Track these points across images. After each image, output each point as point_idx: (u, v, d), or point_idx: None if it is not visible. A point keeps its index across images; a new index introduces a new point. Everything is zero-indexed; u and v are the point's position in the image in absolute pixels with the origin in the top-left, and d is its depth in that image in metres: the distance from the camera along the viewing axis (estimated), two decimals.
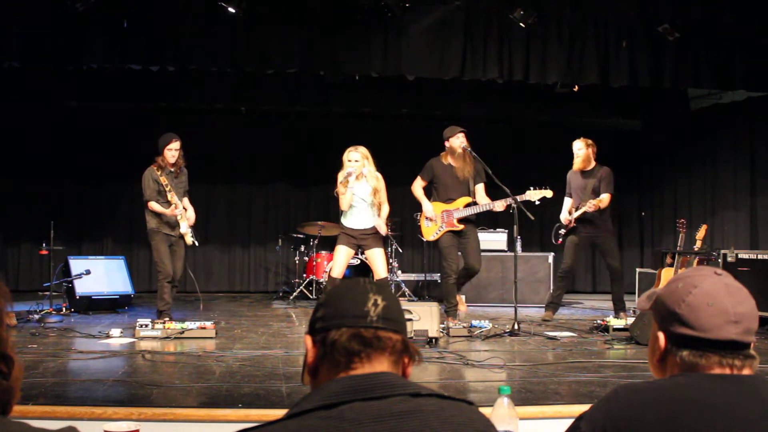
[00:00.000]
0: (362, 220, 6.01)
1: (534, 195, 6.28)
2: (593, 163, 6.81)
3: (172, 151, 6.19)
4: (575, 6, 7.13)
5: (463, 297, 6.58)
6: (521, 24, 6.84)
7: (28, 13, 6.38)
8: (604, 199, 6.64)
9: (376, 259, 6.02)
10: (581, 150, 6.79)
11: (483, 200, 6.41)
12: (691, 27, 7.03)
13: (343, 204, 5.93)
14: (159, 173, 6.14)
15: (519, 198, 6.20)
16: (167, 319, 5.90)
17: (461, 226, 6.35)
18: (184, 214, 6.27)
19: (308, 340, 1.25)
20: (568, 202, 6.99)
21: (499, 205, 6.24)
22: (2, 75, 7.80)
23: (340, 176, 5.92)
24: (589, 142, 6.83)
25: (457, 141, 6.36)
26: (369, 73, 7.43)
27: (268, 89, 9.04)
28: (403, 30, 6.91)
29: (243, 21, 6.60)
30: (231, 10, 6.44)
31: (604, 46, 7.12)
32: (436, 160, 6.54)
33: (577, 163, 6.81)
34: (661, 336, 1.36)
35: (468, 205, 6.37)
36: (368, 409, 1.11)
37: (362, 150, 5.93)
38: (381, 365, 1.20)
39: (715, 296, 1.32)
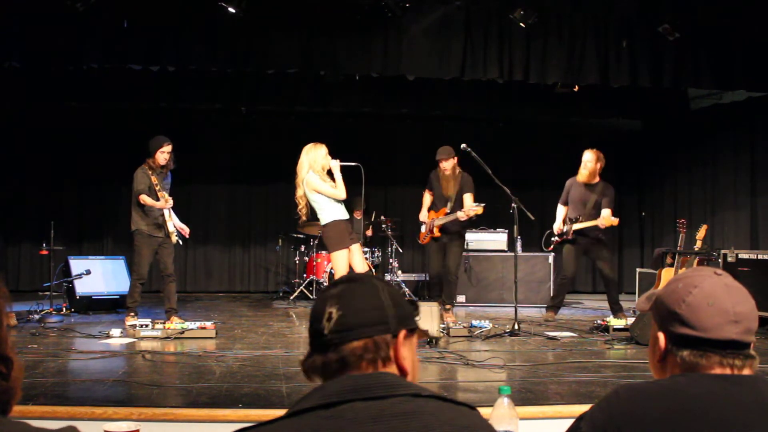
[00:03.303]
0: (345, 207, 6.09)
1: (469, 210, 6.60)
2: (597, 178, 6.83)
3: (165, 154, 6.27)
4: (575, 6, 7.12)
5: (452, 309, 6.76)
6: (521, 24, 6.83)
7: (29, 13, 6.38)
8: (607, 214, 6.66)
9: (357, 253, 6.04)
10: (590, 163, 6.79)
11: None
12: (691, 27, 7.02)
13: (342, 192, 5.92)
14: (150, 173, 6.20)
15: (442, 220, 6.68)
16: (133, 314, 6.17)
17: (439, 234, 6.84)
18: (171, 213, 6.35)
19: None
20: (561, 210, 7.02)
21: (462, 215, 6.60)
22: (2, 75, 7.80)
23: (317, 174, 5.91)
24: (600, 156, 6.84)
25: (444, 165, 6.74)
26: (369, 73, 7.44)
27: (268, 89, 9.03)
28: (403, 30, 6.90)
29: (243, 21, 6.59)
30: (231, 10, 6.44)
31: (604, 46, 7.11)
32: (434, 172, 6.94)
33: (584, 176, 6.81)
34: (661, 336, 1.36)
35: (447, 215, 6.72)
36: (368, 409, 1.11)
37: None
38: (368, 370, 1.20)
39: (715, 296, 1.32)
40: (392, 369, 1.22)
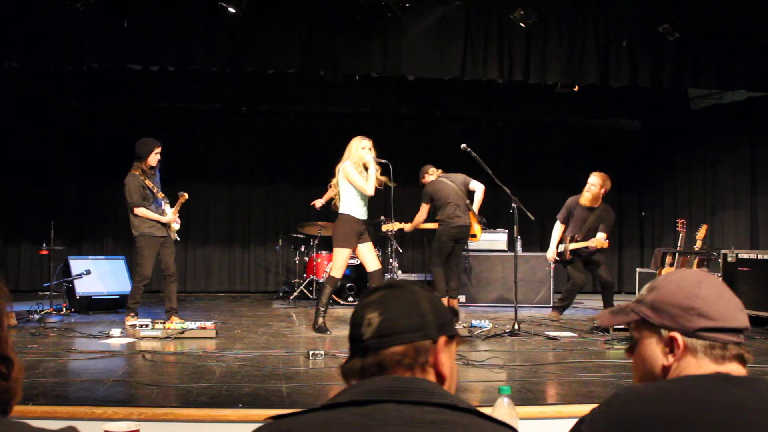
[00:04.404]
0: (367, 209, 6.08)
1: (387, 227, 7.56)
2: (599, 202, 6.93)
3: (158, 156, 6.28)
4: (575, 6, 7.12)
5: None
6: (521, 24, 6.83)
7: (28, 13, 6.38)
8: (601, 239, 6.77)
9: (370, 251, 6.05)
10: (595, 187, 6.86)
11: None
12: (691, 27, 7.03)
13: (371, 188, 5.89)
14: (143, 177, 6.19)
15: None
16: (133, 314, 6.14)
17: None
18: (167, 210, 6.38)
19: None
20: (558, 230, 7.10)
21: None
22: (2, 75, 7.79)
23: (352, 165, 5.90)
24: (606, 180, 6.88)
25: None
26: (369, 73, 7.44)
27: (268, 89, 9.04)
28: (403, 30, 6.90)
29: (243, 21, 6.59)
30: (231, 10, 6.44)
31: (604, 46, 7.11)
32: None
33: (587, 199, 6.91)
34: (677, 336, 1.34)
35: None
36: (399, 412, 1.11)
37: (370, 140, 6.05)
38: (405, 375, 1.20)
39: (719, 288, 1.36)
40: (430, 375, 1.22)
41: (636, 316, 1.42)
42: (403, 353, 1.19)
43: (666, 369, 1.35)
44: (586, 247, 6.83)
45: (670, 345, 1.35)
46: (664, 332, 1.37)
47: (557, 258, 7.06)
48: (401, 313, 1.22)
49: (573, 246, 6.88)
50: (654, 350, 1.38)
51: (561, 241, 7.03)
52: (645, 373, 1.40)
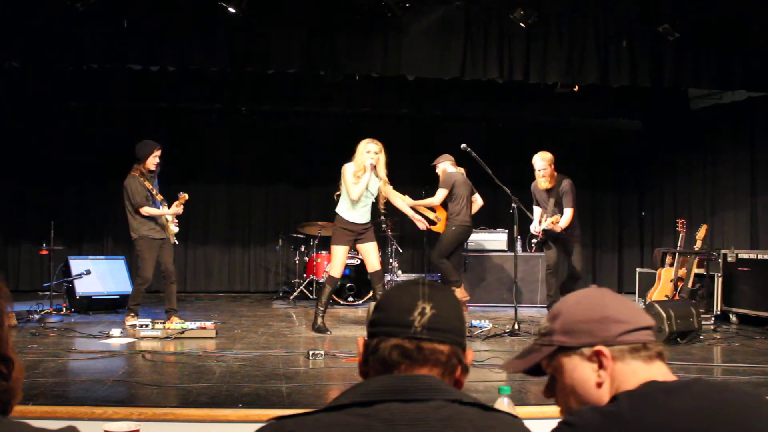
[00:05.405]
0: (365, 214, 6.05)
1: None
2: (555, 179, 6.94)
3: (156, 158, 6.28)
4: (575, 6, 7.12)
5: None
6: (521, 24, 6.83)
7: (28, 13, 6.38)
8: (566, 217, 6.77)
9: (371, 252, 6.06)
10: (546, 170, 6.89)
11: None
12: (691, 27, 7.02)
13: (354, 193, 5.85)
14: (142, 179, 6.19)
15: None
16: (133, 314, 6.14)
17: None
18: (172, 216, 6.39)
19: (360, 341, 1.26)
20: (538, 211, 7.16)
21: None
22: (2, 75, 7.79)
23: (354, 166, 5.89)
24: (550, 158, 6.91)
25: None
26: (369, 73, 7.44)
27: (268, 89, 9.04)
28: (403, 30, 6.90)
29: (243, 21, 6.59)
30: (231, 10, 6.43)
31: (604, 46, 7.11)
32: None
33: (543, 183, 6.93)
34: (604, 349, 1.30)
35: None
36: (405, 411, 1.10)
37: (379, 144, 5.98)
38: (427, 372, 1.20)
39: (618, 296, 1.37)
40: (448, 380, 1.22)
41: (550, 348, 1.36)
42: (446, 353, 1.20)
43: (600, 385, 1.31)
44: (552, 229, 6.88)
45: (598, 360, 1.30)
46: (586, 350, 1.32)
47: (536, 236, 7.14)
48: (450, 314, 1.23)
49: (542, 226, 6.93)
50: (582, 372, 1.33)
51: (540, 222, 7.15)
52: (580, 398, 1.34)
